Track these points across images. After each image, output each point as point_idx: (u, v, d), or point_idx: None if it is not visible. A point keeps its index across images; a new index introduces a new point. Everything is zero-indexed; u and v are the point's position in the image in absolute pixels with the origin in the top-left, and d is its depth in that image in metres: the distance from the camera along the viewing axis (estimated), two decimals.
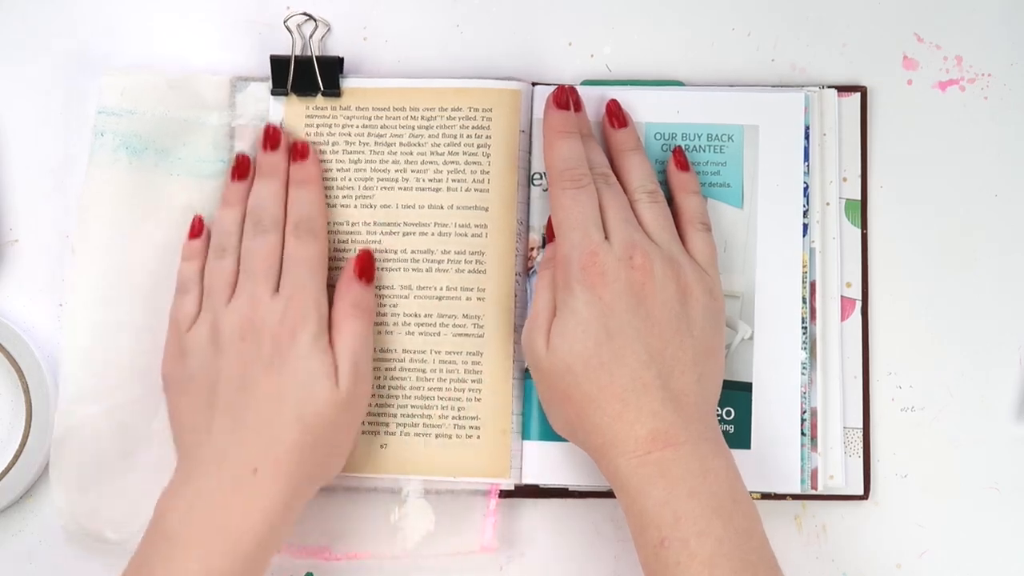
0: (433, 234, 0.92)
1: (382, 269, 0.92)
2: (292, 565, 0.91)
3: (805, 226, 0.92)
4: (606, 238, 0.84)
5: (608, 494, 0.91)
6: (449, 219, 0.92)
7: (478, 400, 0.91)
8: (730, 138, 0.93)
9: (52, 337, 0.95)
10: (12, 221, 0.96)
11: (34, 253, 0.96)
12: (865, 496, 0.92)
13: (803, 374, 0.91)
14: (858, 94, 0.95)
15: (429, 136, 0.93)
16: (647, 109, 0.94)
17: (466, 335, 0.91)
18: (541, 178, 0.93)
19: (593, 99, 0.94)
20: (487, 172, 0.92)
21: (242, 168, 0.92)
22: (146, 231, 0.94)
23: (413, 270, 0.92)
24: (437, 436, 0.91)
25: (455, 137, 0.93)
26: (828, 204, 0.93)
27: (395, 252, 0.92)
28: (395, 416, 0.91)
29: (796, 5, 0.97)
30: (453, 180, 0.93)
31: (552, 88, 0.91)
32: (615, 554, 0.93)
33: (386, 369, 0.91)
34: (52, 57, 0.97)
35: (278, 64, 0.94)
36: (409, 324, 0.91)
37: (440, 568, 0.92)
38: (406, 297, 0.92)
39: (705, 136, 0.93)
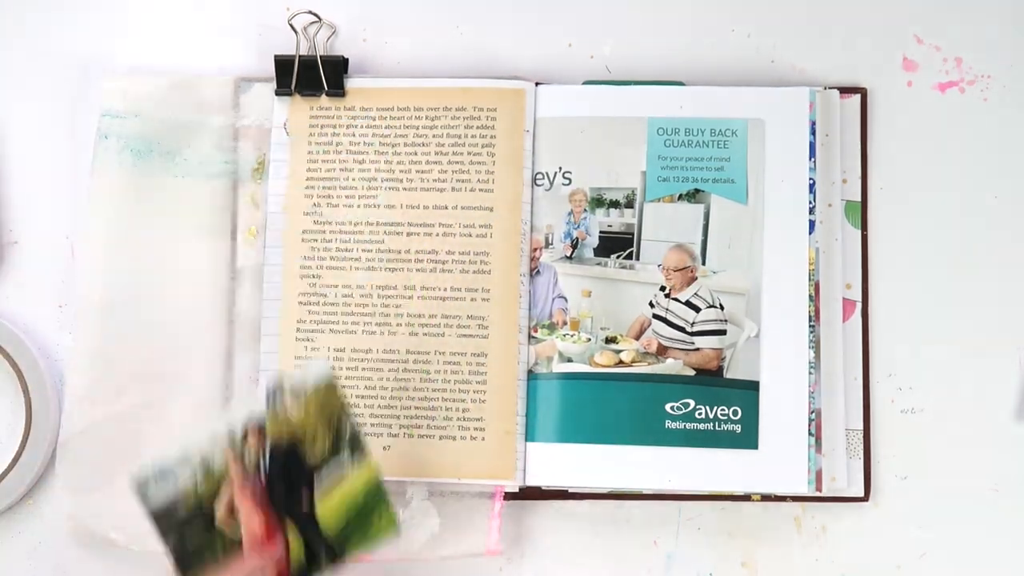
0: (437, 235, 0.92)
1: (387, 270, 0.92)
2: None
3: (811, 223, 0.92)
4: None
5: (607, 496, 0.91)
6: (453, 219, 0.92)
7: (483, 402, 0.90)
8: (734, 133, 0.93)
9: (52, 337, 0.94)
10: (12, 221, 0.95)
11: (34, 253, 0.95)
12: (865, 498, 0.92)
13: (810, 373, 0.91)
14: (858, 95, 0.95)
15: (433, 136, 0.93)
16: (649, 104, 0.94)
17: (470, 336, 0.91)
18: (544, 178, 0.93)
19: (593, 99, 0.94)
20: (492, 172, 0.92)
21: None
22: (151, 233, 0.93)
23: (417, 271, 0.92)
24: (441, 438, 0.90)
25: (459, 137, 0.93)
26: (830, 205, 0.93)
27: (399, 252, 0.92)
28: (399, 418, 0.91)
29: (796, 6, 0.97)
30: (457, 180, 0.92)
31: (557, 88, 0.92)
32: (614, 554, 0.93)
33: (390, 370, 0.91)
34: (54, 59, 0.97)
35: (282, 64, 0.93)
36: (413, 325, 0.91)
37: (439, 569, 0.92)
38: (410, 298, 0.91)
39: (708, 131, 0.93)
